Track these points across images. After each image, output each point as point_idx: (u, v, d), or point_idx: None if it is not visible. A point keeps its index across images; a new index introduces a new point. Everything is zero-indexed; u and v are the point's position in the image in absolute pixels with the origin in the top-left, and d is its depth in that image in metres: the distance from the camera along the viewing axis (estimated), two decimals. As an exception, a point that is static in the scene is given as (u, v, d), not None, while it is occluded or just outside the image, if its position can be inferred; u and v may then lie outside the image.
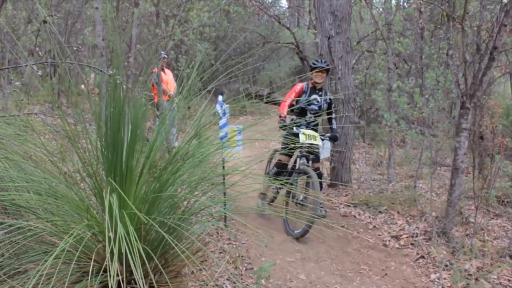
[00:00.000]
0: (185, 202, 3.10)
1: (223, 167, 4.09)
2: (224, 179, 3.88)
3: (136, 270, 1.98)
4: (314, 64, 5.60)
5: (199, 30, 11.35)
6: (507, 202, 6.02)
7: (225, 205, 3.75)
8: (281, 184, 4.71)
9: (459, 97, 5.00)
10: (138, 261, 2.10)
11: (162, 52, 7.27)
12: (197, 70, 3.49)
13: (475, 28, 6.88)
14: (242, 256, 4.23)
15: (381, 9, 11.11)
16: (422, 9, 8.03)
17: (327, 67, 5.56)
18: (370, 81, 11.05)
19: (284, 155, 5.56)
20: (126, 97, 3.19)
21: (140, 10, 8.66)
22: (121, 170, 2.75)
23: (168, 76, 7.84)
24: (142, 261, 2.16)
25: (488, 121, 6.62)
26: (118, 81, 2.99)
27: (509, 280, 4.04)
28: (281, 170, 5.53)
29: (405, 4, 10.41)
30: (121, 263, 2.43)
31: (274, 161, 6.30)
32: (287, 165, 5.59)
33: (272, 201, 5.89)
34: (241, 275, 3.89)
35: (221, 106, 4.70)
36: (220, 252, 4.24)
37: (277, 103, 14.29)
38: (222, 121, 4.70)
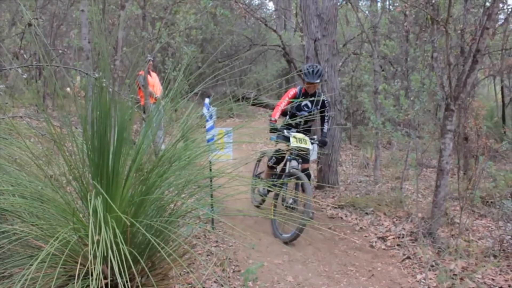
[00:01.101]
0: (172, 205, 3.10)
1: (210, 170, 4.09)
2: (211, 181, 3.88)
3: (121, 273, 1.97)
4: (305, 75, 5.43)
5: (185, 33, 11.34)
6: (491, 202, 6.10)
7: (212, 207, 3.76)
8: (269, 186, 4.72)
9: (443, 99, 5.07)
10: (124, 264, 2.10)
11: (148, 55, 7.26)
12: (184, 72, 3.49)
13: (459, 31, 6.97)
14: (229, 259, 4.23)
15: (367, 12, 11.20)
16: (407, 13, 8.12)
17: (314, 82, 5.41)
18: (356, 83, 11.13)
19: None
20: (112, 100, 3.18)
21: (127, 13, 8.63)
22: (107, 173, 2.74)
23: (154, 79, 7.83)
24: (128, 264, 2.16)
25: (473, 123, 6.72)
26: (104, 84, 2.98)
27: (493, 279, 4.09)
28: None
29: (390, 7, 10.53)
30: (107, 266, 2.42)
31: (262, 163, 6.31)
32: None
33: (261, 203, 5.90)
34: (229, 277, 3.89)
35: (208, 109, 4.70)
36: (208, 255, 4.23)
37: (264, 106, 14.36)
38: (209, 124, 4.69)
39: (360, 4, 13.66)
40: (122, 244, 2.19)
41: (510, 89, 11.28)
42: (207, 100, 4.75)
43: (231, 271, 4.02)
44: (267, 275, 4.08)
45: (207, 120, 4.58)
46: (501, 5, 7.18)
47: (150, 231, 2.68)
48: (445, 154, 4.98)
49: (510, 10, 8.69)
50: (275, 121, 5.42)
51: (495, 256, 4.54)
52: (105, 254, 2.13)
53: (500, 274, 4.20)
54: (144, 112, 6.28)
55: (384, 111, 7.05)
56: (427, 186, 7.29)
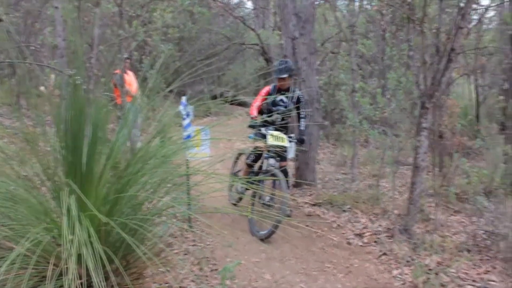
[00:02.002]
0: (148, 203, 3.07)
1: (187, 167, 4.07)
2: (187, 179, 3.86)
3: (94, 272, 1.95)
4: (275, 72, 5.58)
5: (163, 31, 11.26)
6: (465, 198, 6.20)
7: (189, 205, 3.73)
8: (247, 184, 4.72)
9: (419, 98, 5.13)
10: (99, 263, 2.07)
11: (125, 54, 7.17)
12: (160, 71, 3.46)
13: (435, 31, 7.07)
14: (207, 258, 4.21)
15: (345, 11, 11.28)
16: (384, 12, 8.20)
17: (283, 76, 5.52)
18: (334, 82, 11.19)
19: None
20: (87, 98, 3.15)
21: (103, 10, 8.52)
22: (81, 171, 2.70)
23: (130, 78, 7.75)
24: (102, 263, 2.13)
25: (447, 121, 6.82)
26: (78, 82, 2.95)
27: (466, 273, 4.17)
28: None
29: (368, 6, 10.62)
30: (81, 266, 2.39)
31: (240, 162, 6.30)
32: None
33: (238, 202, 5.89)
34: (207, 276, 3.88)
35: (185, 107, 4.68)
36: (185, 254, 4.21)
37: (241, 104, 14.35)
38: (186, 122, 4.68)
39: (338, 3, 13.75)
40: (97, 242, 2.17)
41: (484, 88, 11.49)
42: (183, 98, 4.73)
43: (209, 270, 4.00)
44: (244, 273, 4.08)
45: (183, 118, 4.56)
46: (475, 6, 7.31)
47: (125, 230, 2.65)
48: (420, 152, 5.04)
49: (483, 11, 8.85)
50: (256, 117, 5.43)
51: (468, 251, 4.64)
52: (79, 253, 2.10)
53: (473, 268, 4.29)
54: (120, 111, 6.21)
55: (361, 110, 7.11)
56: (404, 183, 7.37)
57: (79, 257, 2.03)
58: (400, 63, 7.63)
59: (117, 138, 3.06)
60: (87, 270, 2.15)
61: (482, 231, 4.92)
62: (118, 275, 2.64)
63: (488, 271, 4.26)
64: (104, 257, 2.19)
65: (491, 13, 11.05)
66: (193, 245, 4.46)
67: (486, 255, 4.56)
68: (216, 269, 4.02)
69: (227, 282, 3.73)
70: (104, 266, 2.14)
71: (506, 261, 4.33)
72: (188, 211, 3.38)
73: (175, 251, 4.15)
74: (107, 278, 2.34)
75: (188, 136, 4.36)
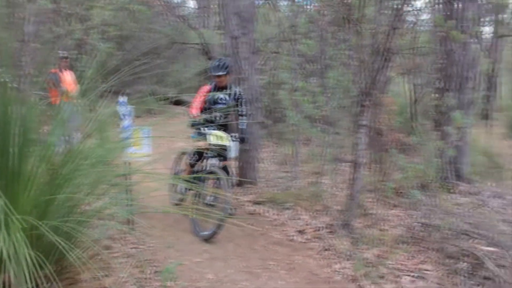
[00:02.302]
0: (86, 205, 2.97)
1: (126, 167, 3.97)
2: (126, 179, 3.76)
3: (22, 279, 1.85)
4: (212, 70, 5.61)
5: (102, 29, 10.94)
6: (402, 193, 6.40)
7: (129, 206, 3.64)
8: (189, 184, 4.67)
9: (357, 96, 5.26)
10: (29, 269, 1.97)
11: (60, 52, 6.91)
12: (98, 69, 3.37)
13: (372, 31, 7.27)
14: (148, 260, 4.13)
15: (287, 12, 11.39)
16: (325, 12, 8.33)
17: (219, 74, 5.54)
18: (276, 81, 11.28)
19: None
20: (17, 98, 3.02)
21: (38, 6, 8.20)
22: (9, 173, 2.57)
23: (68, 77, 7.48)
24: (32, 269, 2.03)
25: (385, 118, 7.04)
26: (6, 80, 2.82)
27: (403, 264, 4.34)
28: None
29: (309, 7, 10.78)
30: (8, 273, 2.27)
31: (182, 161, 6.23)
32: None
33: (180, 202, 5.82)
34: (149, 278, 3.80)
35: (123, 107, 4.57)
36: (126, 257, 4.10)
37: (182, 103, 14.19)
38: (126, 122, 4.57)
39: (280, 4, 13.87)
40: (26, 247, 2.07)
41: (419, 87, 11.93)
42: (121, 98, 4.62)
43: (152, 272, 3.92)
44: (187, 274, 4.03)
45: (121, 118, 4.46)
46: (409, 8, 7.57)
47: (58, 233, 2.54)
48: (359, 149, 5.17)
49: (418, 12, 9.21)
50: (196, 116, 5.39)
51: (405, 243, 4.80)
52: (6, 259, 1.99)
53: (409, 259, 4.46)
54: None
55: (302, 108, 7.19)
56: (344, 180, 7.52)
57: (4, 264, 1.93)
58: (340, 62, 7.80)
59: (50, 139, 2.94)
60: (15, 277, 2.05)
61: (418, 224, 5.11)
62: (51, 281, 2.53)
63: (424, 261, 4.44)
64: (34, 263, 2.09)
65: (426, 16, 11.52)
66: (134, 248, 4.36)
67: (421, 246, 4.74)
68: (158, 271, 3.94)
69: (169, 283, 3.68)
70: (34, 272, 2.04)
71: (439, 251, 4.53)
72: (127, 212, 3.29)
73: (115, 254, 4.04)
74: (38, 285, 2.24)
75: (128, 137, 4.27)
